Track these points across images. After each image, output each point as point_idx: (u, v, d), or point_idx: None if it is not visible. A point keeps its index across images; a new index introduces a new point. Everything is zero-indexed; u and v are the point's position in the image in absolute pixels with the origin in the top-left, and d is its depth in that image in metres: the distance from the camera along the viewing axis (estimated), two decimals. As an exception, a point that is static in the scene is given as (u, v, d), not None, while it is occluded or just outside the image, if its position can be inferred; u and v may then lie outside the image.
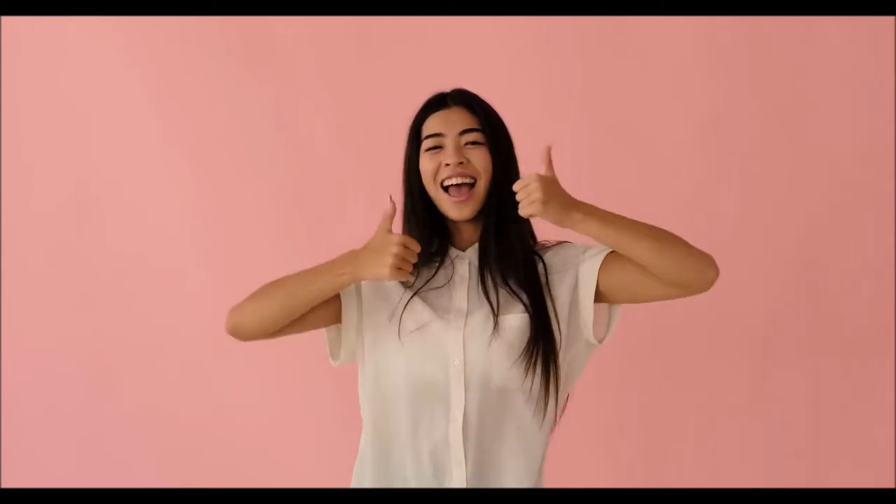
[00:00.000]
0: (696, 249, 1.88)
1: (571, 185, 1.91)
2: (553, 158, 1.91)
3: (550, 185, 1.84)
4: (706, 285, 1.89)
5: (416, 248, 1.91)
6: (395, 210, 1.94)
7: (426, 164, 1.99)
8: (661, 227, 1.89)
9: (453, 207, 1.98)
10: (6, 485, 3.24)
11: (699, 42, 3.10)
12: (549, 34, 3.11)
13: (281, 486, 3.10)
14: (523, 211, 1.85)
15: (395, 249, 1.88)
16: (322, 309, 2.00)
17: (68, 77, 3.24)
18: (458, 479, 1.94)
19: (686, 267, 1.86)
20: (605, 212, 1.87)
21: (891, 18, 3.04)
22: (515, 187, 1.86)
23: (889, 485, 3.06)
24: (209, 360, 3.19)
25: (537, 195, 1.82)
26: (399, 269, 1.88)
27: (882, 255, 3.09)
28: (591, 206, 1.87)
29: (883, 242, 3.09)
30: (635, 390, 3.12)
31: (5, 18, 3.20)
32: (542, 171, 1.88)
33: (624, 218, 1.87)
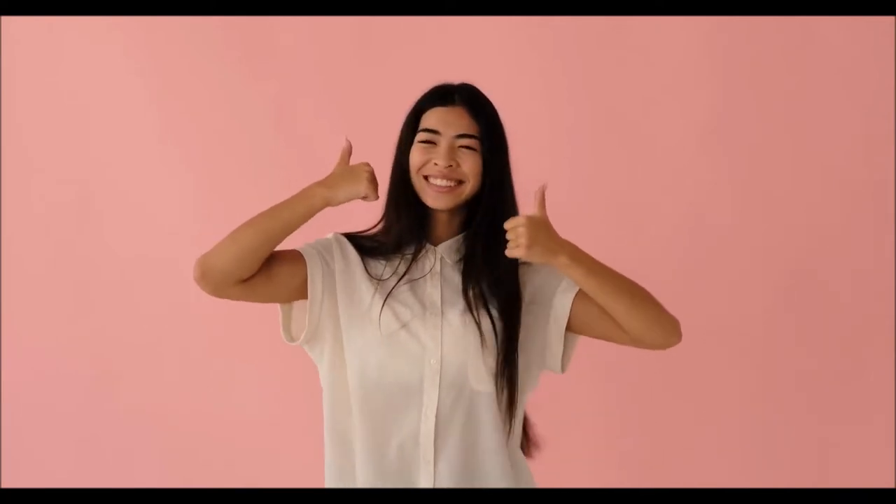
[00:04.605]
0: (666, 314, 1.95)
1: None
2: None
3: (537, 229, 1.88)
4: (665, 347, 1.98)
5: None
6: (350, 148, 1.99)
7: (416, 155, 1.99)
8: (639, 284, 1.95)
9: (432, 197, 1.98)
10: (6, 485, 3.24)
11: (699, 42, 3.10)
12: (550, 34, 3.11)
13: (281, 486, 3.10)
14: (509, 253, 1.90)
15: (366, 167, 1.95)
16: (290, 270, 1.98)
17: (68, 77, 3.24)
18: (425, 478, 1.94)
19: (652, 331, 1.94)
20: (590, 261, 1.92)
21: (891, 18, 3.04)
22: (506, 226, 1.91)
23: (889, 485, 3.06)
24: (209, 361, 3.19)
25: (522, 240, 1.87)
26: (372, 183, 1.94)
27: (882, 255, 3.09)
28: (577, 252, 1.92)
29: (883, 242, 3.09)
30: (635, 390, 3.12)
31: (5, 18, 3.20)
32: (535, 210, 1.92)
33: (606, 270, 1.93)
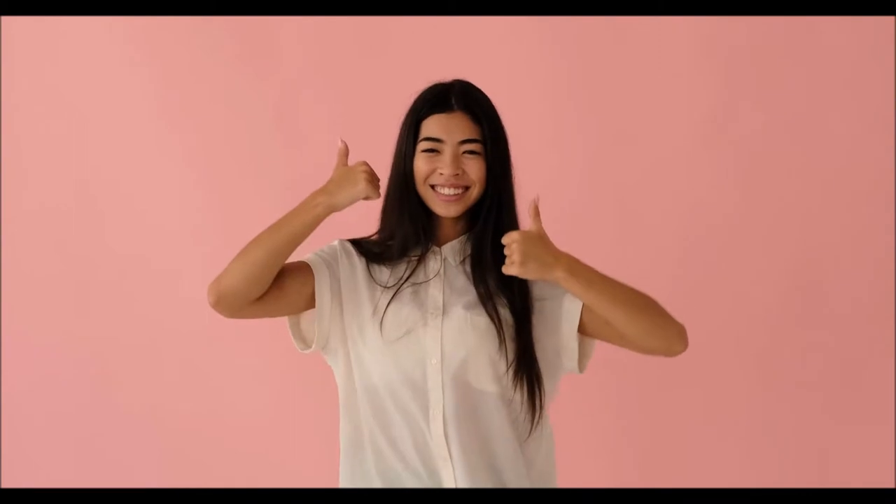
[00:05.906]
0: (671, 321, 1.94)
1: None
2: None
3: (530, 245, 1.87)
4: (669, 355, 1.97)
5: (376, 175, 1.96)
6: (346, 148, 1.99)
7: (420, 164, 1.99)
8: (642, 292, 1.93)
9: (441, 205, 1.98)
10: (6, 485, 3.24)
11: (699, 42, 3.10)
12: (550, 34, 3.11)
13: (280, 487, 3.10)
14: (505, 270, 1.90)
15: (362, 167, 1.93)
16: (300, 281, 1.99)
17: (68, 77, 3.24)
18: (447, 476, 1.95)
19: (652, 339, 1.93)
20: (588, 272, 1.90)
21: (891, 18, 3.04)
22: (503, 241, 1.90)
23: (889, 485, 3.06)
24: (209, 361, 3.20)
25: (516, 257, 1.87)
26: (371, 183, 1.92)
27: (882, 255, 3.09)
28: (574, 265, 1.89)
29: (883, 242, 3.09)
30: (635, 390, 3.12)
31: (5, 18, 3.20)
32: (529, 224, 1.92)
33: (605, 280, 1.91)
